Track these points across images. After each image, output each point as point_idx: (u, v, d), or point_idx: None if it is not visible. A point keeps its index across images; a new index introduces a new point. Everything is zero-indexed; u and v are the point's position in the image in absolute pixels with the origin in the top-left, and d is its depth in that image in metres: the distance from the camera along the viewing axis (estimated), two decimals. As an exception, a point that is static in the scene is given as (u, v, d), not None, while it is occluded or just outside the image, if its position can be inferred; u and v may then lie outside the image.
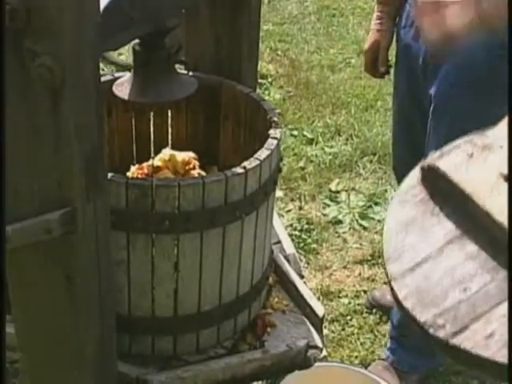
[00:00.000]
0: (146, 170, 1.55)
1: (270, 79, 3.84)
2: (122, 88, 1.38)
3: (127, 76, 1.41)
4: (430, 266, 0.86)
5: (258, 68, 4.07)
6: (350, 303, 2.45)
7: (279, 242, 1.84)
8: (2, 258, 0.87)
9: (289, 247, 1.84)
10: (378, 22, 1.97)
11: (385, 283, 2.56)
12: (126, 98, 1.37)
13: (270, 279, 1.65)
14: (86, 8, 1.00)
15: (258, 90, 3.85)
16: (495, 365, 0.76)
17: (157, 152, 1.64)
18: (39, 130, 1.05)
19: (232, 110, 1.61)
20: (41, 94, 1.02)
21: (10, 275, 1.25)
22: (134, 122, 1.69)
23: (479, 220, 0.86)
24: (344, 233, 2.78)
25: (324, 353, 1.69)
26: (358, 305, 2.44)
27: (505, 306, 0.79)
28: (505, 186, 0.86)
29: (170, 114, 1.70)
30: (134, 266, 1.33)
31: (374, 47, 1.98)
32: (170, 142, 1.71)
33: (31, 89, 1.02)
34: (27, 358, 1.35)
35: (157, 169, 1.52)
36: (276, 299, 1.63)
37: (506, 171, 0.88)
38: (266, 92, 3.70)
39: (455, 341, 0.78)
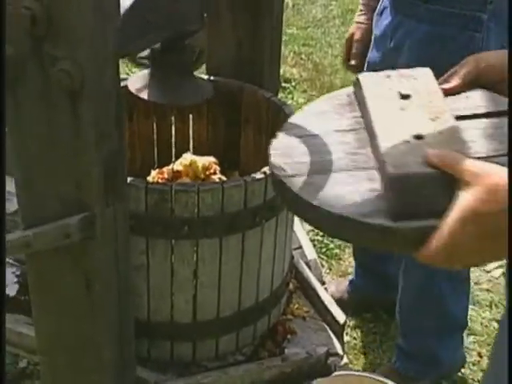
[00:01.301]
0: (166, 175, 1.55)
1: (293, 83, 3.82)
2: (140, 87, 1.37)
3: (142, 75, 1.40)
4: (308, 138, 1.05)
5: (282, 72, 4.06)
6: (370, 309, 2.42)
7: (300, 247, 1.83)
8: (1, 258, 0.87)
9: (310, 253, 1.83)
10: (357, 14, 1.98)
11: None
12: (145, 97, 1.36)
13: (291, 285, 1.64)
14: (105, 13, 0.99)
15: (281, 94, 3.85)
16: (309, 206, 0.91)
17: (178, 156, 1.64)
18: (59, 134, 1.06)
19: (253, 115, 1.60)
20: (60, 98, 1.02)
21: (30, 278, 1.26)
22: (155, 127, 1.69)
23: (365, 121, 1.04)
24: (367, 238, 2.76)
25: (345, 360, 1.67)
26: (381, 311, 2.41)
27: (350, 175, 0.96)
28: (400, 101, 1.05)
29: (191, 119, 1.70)
30: (154, 271, 1.32)
31: (349, 40, 1.96)
32: (191, 146, 1.71)
33: (51, 93, 1.02)
34: (47, 360, 1.35)
35: (177, 173, 1.52)
36: (296, 305, 1.62)
37: (406, 91, 1.06)
38: (290, 96, 3.69)
39: (287, 181, 0.95)
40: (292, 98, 3.65)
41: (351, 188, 0.93)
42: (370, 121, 1.03)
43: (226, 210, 1.27)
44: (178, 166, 1.54)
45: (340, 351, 1.54)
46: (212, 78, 1.61)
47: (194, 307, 1.37)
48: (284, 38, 4.16)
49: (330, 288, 2.35)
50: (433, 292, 1.96)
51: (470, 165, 0.87)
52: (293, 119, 1.13)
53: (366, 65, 1.90)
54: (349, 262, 2.67)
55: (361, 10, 1.96)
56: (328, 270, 2.62)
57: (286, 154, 1.02)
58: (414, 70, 1.12)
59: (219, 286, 1.36)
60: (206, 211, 1.26)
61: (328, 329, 1.58)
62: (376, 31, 1.89)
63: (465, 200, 0.84)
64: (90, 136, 1.04)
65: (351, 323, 2.35)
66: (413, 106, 1.05)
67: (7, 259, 1.68)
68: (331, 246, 2.73)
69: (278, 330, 1.54)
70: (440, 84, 1.10)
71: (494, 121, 1.04)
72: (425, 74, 1.12)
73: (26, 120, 1.06)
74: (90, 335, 1.25)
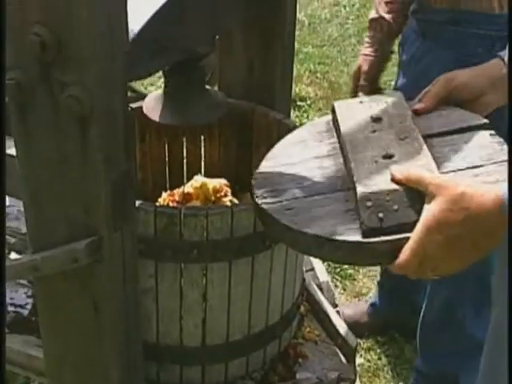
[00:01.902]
0: (177, 197, 1.55)
1: (308, 101, 3.82)
2: (152, 108, 1.37)
3: (156, 95, 1.40)
4: (289, 166, 1.12)
5: (297, 90, 4.07)
6: (386, 331, 2.39)
7: (312, 269, 1.81)
8: (1, 260, 0.87)
9: (322, 274, 1.81)
10: (364, 46, 1.98)
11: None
12: (156, 119, 1.37)
13: (302, 308, 1.62)
14: (114, 38, 1.00)
15: (296, 113, 3.84)
16: (287, 229, 1.00)
17: (190, 177, 1.64)
18: (67, 158, 1.06)
19: (264, 137, 1.60)
20: (69, 123, 1.02)
21: (38, 301, 1.26)
22: (167, 148, 1.70)
23: (341, 146, 1.11)
24: (381, 259, 2.73)
25: (358, 383, 1.64)
26: (396, 334, 2.38)
27: (328, 197, 1.03)
28: (371, 124, 1.12)
29: (202, 140, 1.69)
30: (162, 294, 1.32)
31: (357, 73, 1.97)
32: (202, 167, 1.71)
33: (60, 119, 1.03)
34: (55, 382, 1.34)
35: (188, 196, 1.52)
36: (308, 329, 1.60)
37: (377, 115, 1.13)
38: (305, 114, 3.68)
39: (264, 205, 1.05)
40: (307, 117, 3.65)
41: (328, 209, 1.00)
42: (344, 145, 1.09)
43: (236, 233, 1.26)
44: (188, 188, 1.54)
45: (352, 376, 1.51)
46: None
47: (203, 331, 1.36)
48: (300, 56, 4.19)
49: (347, 310, 2.34)
50: (456, 316, 1.94)
51: (433, 178, 0.93)
52: (275, 148, 1.20)
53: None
54: (363, 282, 2.65)
55: (367, 43, 1.97)
56: (342, 291, 2.60)
57: (268, 182, 1.09)
58: (386, 94, 1.20)
59: (228, 309, 1.35)
60: (215, 235, 1.26)
61: (339, 353, 1.55)
62: (403, 56, 1.90)
63: (430, 211, 0.89)
64: (98, 160, 1.04)
65: (365, 345, 2.33)
66: (384, 127, 1.11)
67: (19, 280, 1.69)
68: (345, 266, 2.71)
69: (289, 354, 1.52)
70: (414, 105, 1.15)
71: (463, 136, 1.10)
72: (396, 97, 1.19)
73: (36, 146, 1.06)
74: (98, 358, 1.24)
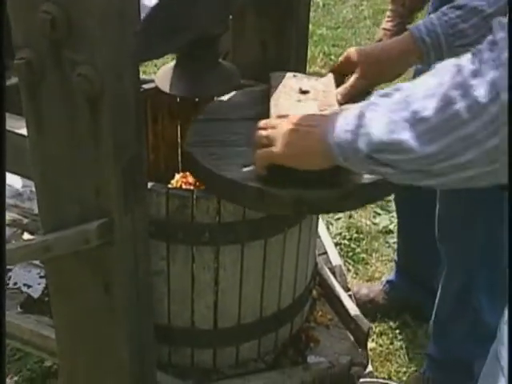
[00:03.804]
0: (189, 179, 1.54)
1: (322, 84, 3.78)
2: (164, 81, 1.36)
3: (169, 68, 1.38)
4: (221, 122, 1.32)
5: (311, 72, 4.01)
6: (399, 315, 2.38)
7: (325, 253, 1.80)
8: (2, 258, 0.86)
9: (335, 259, 1.79)
10: (385, 20, 1.97)
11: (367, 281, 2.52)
12: (167, 91, 1.35)
13: (314, 292, 1.61)
14: (125, 17, 0.98)
15: (309, 96, 3.79)
16: (209, 172, 1.16)
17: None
18: (79, 140, 1.05)
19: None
20: (80, 103, 1.01)
21: (49, 283, 1.26)
22: (179, 129, 1.68)
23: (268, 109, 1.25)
24: (394, 243, 2.70)
25: (370, 368, 1.63)
26: (408, 318, 2.36)
27: (247, 150, 1.16)
28: (298, 95, 1.28)
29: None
30: (174, 276, 1.31)
31: None
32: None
33: (71, 98, 1.02)
34: (66, 363, 1.35)
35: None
36: (320, 313, 1.59)
37: (305, 88, 1.30)
38: (319, 97, 3.65)
39: (191, 149, 1.22)
40: (321, 100, 3.61)
41: (247, 160, 1.14)
42: (270, 108, 1.23)
43: (248, 216, 1.25)
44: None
45: (364, 360, 1.51)
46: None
47: (215, 313, 1.35)
48: (314, 38, 4.14)
49: (362, 290, 2.33)
50: (471, 303, 1.93)
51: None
52: (214, 104, 1.38)
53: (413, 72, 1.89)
54: (376, 266, 2.63)
55: (388, 17, 1.95)
56: (354, 275, 2.58)
57: (199, 133, 1.27)
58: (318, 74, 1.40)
59: (240, 292, 1.34)
60: (227, 217, 1.24)
61: (352, 337, 1.55)
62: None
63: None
64: (109, 142, 1.03)
65: (377, 329, 2.31)
66: (308, 99, 1.27)
67: (33, 261, 1.69)
68: (358, 250, 2.69)
69: (300, 338, 1.51)
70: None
71: None
72: (327, 78, 1.35)
73: (47, 126, 1.06)
74: (110, 339, 1.24)
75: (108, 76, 0.98)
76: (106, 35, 0.97)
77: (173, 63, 1.38)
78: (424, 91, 0.82)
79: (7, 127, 1.18)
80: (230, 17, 1.51)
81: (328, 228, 2.72)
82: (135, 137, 1.06)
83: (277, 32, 1.53)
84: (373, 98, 0.91)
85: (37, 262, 1.70)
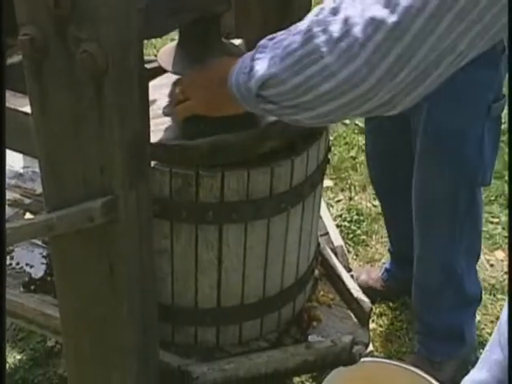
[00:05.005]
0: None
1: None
2: (167, 59, 1.35)
3: (171, 47, 1.38)
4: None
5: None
6: (399, 297, 2.39)
7: (327, 233, 1.80)
8: (2, 256, 0.87)
9: (336, 239, 1.80)
10: None
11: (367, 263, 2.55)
12: (169, 69, 1.35)
13: (316, 272, 1.62)
14: (130, -7, 0.97)
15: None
16: None
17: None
18: (83, 116, 1.04)
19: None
20: (84, 80, 1.01)
21: (53, 261, 1.26)
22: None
23: None
24: (395, 225, 2.71)
25: (371, 348, 1.65)
26: (408, 299, 2.38)
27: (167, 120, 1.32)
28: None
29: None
30: (177, 255, 1.31)
31: None
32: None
33: (75, 75, 1.01)
34: (70, 342, 1.36)
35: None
36: (322, 293, 1.60)
37: None
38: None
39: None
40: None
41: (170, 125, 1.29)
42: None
43: (252, 195, 1.25)
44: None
45: (365, 340, 1.52)
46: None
47: (218, 292, 1.36)
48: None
49: (362, 276, 2.35)
50: (456, 270, 1.99)
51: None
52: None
53: None
54: (376, 248, 2.64)
55: None
56: (355, 257, 2.59)
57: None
58: None
59: (244, 271, 1.34)
60: (231, 196, 1.25)
61: (353, 317, 1.56)
62: None
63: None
64: (113, 119, 1.03)
65: (377, 310, 2.33)
66: None
67: (35, 241, 1.70)
68: (358, 232, 2.70)
69: (303, 317, 1.52)
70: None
71: None
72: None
73: (51, 103, 1.05)
74: (113, 318, 1.25)
75: (112, 53, 0.98)
76: (111, 12, 0.96)
77: (175, 43, 1.37)
78: (295, 28, 0.94)
79: (10, 105, 1.18)
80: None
81: (328, 210, 2.72)
82: (139, 113, 1.06)
83: (280, 10, 1.52)
84: (262, 41, 1.01)
85: (39, 242, 1.70)
